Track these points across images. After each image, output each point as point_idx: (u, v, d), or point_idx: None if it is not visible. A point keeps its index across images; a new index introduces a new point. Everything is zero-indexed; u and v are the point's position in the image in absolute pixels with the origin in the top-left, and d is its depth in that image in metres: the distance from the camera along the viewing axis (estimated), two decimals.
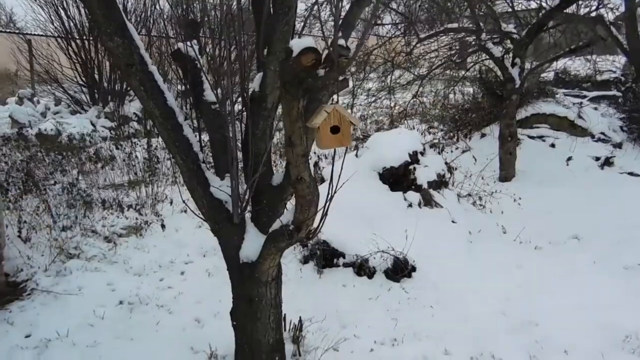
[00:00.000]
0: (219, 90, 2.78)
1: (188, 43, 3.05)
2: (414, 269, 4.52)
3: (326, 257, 4.66)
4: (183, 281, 4.38)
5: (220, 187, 2.88)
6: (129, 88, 13.34)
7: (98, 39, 10.45)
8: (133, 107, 11.99)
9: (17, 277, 4.20)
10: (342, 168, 2.56)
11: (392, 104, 10.78)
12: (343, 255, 4.63)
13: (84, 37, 11.43)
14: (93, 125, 10.72)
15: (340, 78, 3.10)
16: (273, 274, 2.91)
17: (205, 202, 2.88)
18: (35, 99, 12.64)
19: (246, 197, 2.87)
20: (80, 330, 3.47)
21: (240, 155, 2.94)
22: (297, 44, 1.95)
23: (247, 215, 3.02)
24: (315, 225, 2.70)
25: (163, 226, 5.37)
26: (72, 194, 5.94)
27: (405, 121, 11.12)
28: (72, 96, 11.98)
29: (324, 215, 2.70)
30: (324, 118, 2.01)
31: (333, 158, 2.70)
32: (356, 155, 5.74)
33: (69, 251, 4.61)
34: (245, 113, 2.79)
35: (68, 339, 3.35)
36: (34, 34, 13.27)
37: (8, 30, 15.13)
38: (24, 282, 4.13)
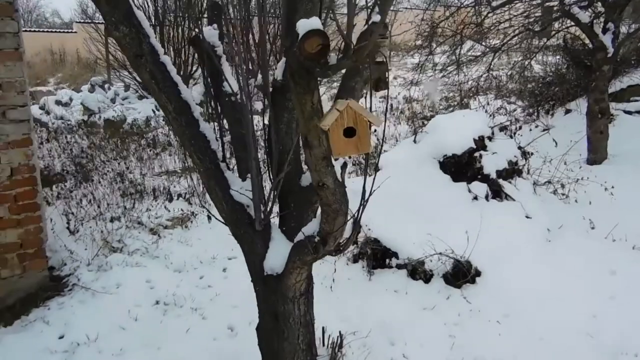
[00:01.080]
0: (238, 79, 2.42)
1: (209, 27, 2.72)
2: (478, 273, 4.00)
3: (377, 257, 4.25)
4: (223, 279, 4.18)
5: (242, 189, 2.55)
6: (192, 71, 13.51)
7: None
8: (195, 91, 12.08)
9: (61, 271, 4.20)
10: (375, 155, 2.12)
11: (462, 79, 9.97)
12: (396, 255, 4.20)
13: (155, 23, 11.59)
14: (156, 109, 10.89)
15: (379, 59, 2.64)
16: (301, 289, 2.56)
17: (224, 206, 2.57)
18: (106, 85, 13.12)
19: (270, 200, 2.53)
20: (111, 334, 3.35)
21: (264, 153, 2.60)
22: (302, 26, 1.54)
23: (274, 220, 2.69)
24: (346, 235, 2.31)
25: (209, 217, 5.20)
26: (123, 182, 5.94)
27: (477, 97, 10.28)
28: (140, 81, 12.26)
29: (357, 224, 2.30)
30: (335, 118, 1.60)
31: (366, 160, 2.28)
32: (414, 141, 5.22)
33: (112, 244, 4.55)
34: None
35: (96, 344, 3.25)
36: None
37: (87, 21, 15.78)
38: (66, 277, 4.12)
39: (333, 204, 2.11)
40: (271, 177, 2.58)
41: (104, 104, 11.65)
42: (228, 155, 2.71)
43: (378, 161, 4.26)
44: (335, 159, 1.94)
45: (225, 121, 2.76)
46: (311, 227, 2.34)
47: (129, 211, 5.23)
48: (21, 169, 3.73)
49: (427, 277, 4.01)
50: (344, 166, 2.09)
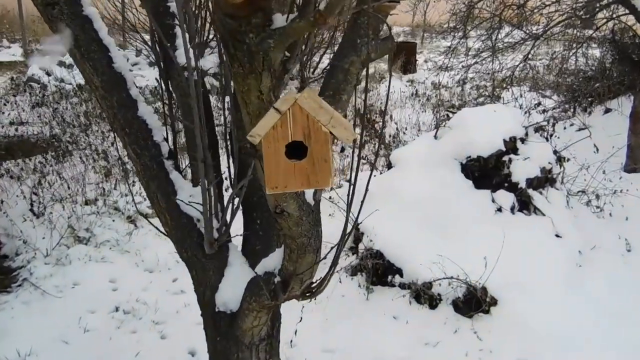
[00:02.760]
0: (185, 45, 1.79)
1: None
2: (494, 302, 3.35)
3: (378, 272, 3.63)
4: None
5: (191, 198, 1.95)
6: (208, 39, 12.79)
7: None
8: (209, 60, 11.44)
9: (13, 262, 3.69)
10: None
11: (497, 68, 9.11)
12: (400, 272, 3.58)
13: None
14: (160, 79, 10.30)
15: (384, 36, 1.99)
16: (261, 334, 1.96)
17: (168, 219, 1.97)
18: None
19: (227, 215, 1.93)
20: (48, 350, 2.85)
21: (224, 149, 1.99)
22: None
23: (237, 240, 2.10)
24: (315, 276, 1.69)
25: None
26: (108, 160, 5.40)
27: (511, 88, 9.44)
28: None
29: (335, 263, 1.68)
30: (271, 125, 0.97)
31: (377, 154, 1.65)
32: (435, 137, 4.52)
33: (78, 233, 4.02)
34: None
35: None
36: None
37: None
38: (17, 270, 3.61)
39: (298, 237, 1.50)
40: (232, 182, 1.97)
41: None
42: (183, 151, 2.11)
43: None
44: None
45: (177, 105, 2.15)
46: (275, 259, 1.73)
47: (107, 194, 4.68)
48: None
49: (433, 303, 3.38)
50: (341, 151, 1.39)
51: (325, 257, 1.61)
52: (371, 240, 3.72)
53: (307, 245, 1.52)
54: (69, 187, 4.64)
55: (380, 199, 3.88)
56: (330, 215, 4.36)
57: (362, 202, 1.65)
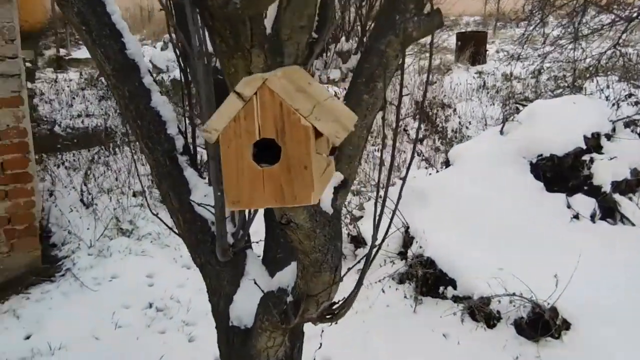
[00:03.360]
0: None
1: None
2: (566, 325, 2.95)
3: (428, 281, 3.33)
4: None
5: (206, 198, 1.78)
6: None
7: None
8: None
9: (60, 251, 3.74)
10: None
11: (579, 56, 8.33)
12: (453, 283, 3.25)
13: None
14: None
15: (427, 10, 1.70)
16: (278, 355, 1.75)
17: (181, 220, 1.81)
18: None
19: (245, 216, 1.75)
20: (78, 345, 2.82)
21: None
22: None
23: (257, 245, 1.92)
24: (333, 296, 1.46)
25: None
26: None
27: (596, 79, 8.62)
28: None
29: (359, 282, 1.44)
30: (232, 116, 0.74)
31: (414, 149, 1.41)
32: (501, 132, 4.10)
33: (121, 226, 4.03)
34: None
35: (54, 357, 2.69)
36: None
37: None
38: (62, 260, 3.65)
39: (311, 253, 1.27)
40: None
41: (175, 63, 11.32)
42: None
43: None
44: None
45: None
46: (290, 274, 1.52)
47: (154, 186, 4.68)
48: (9, 132, 3.24)
49: (491, 322, 3.03)
50: (331, 153, 1.14)
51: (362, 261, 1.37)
52: (421, 247, 3.42)
53: (323, 262, 1.29)
54: (116, 179, 4.68)
55: (434, 200, 3.56)
56: (388, 213, 4.03)
57: (395, 208, 1.39)
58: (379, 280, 3.38)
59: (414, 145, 1.68)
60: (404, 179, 1.48)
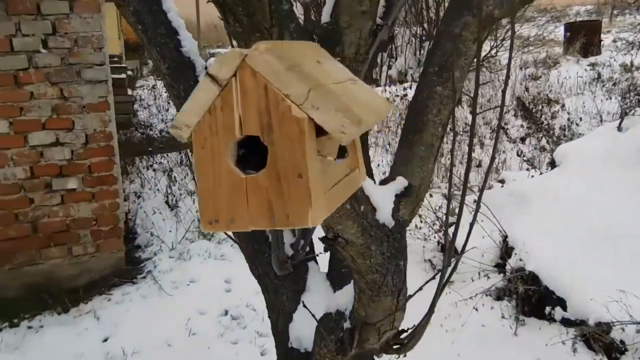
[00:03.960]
0: None
1: None
2: None
3: (532, 299, 2.93)
4: None
5: None
6: None
7: None
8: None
9: (143, 253, 3.84)
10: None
11: None
12: (562, 304, 2.84)
13: None
14: None
15: None
16: None
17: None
18: None
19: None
20: (151, 352, 2.80)
21: None
22: None
23: (322, 257, 1.73)
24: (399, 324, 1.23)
25: None
26: None
27: None
28: None
29: (432, 308, 1.20)
30: (207, 107, 0.55)
31: (465, 183, 1.16)
32: (619, 128, 3.55)
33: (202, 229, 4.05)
34: None
35: None
36: None
37: None
38: (145, 262, 3.74)
39: (367, 273, 1.06)
40: None
41: None
42: None
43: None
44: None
45: None
46: (348, 294, 1.31)
47: None
48: (97, 136, 3.35)
49: (612, 354, 2.58)
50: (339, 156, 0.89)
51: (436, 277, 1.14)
52: (521, 259, 3.02)
53: (382, 284, 1.07)
54: (193, 179, 4.75)
55: (537, 205, 3.15)
56: (480, 221, 3.63)
57: (474, 217, 1.14)
58: (472, 297, 3.04)
59: (495, 141, 1.40)
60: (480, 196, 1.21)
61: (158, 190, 4.61)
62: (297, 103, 0.53)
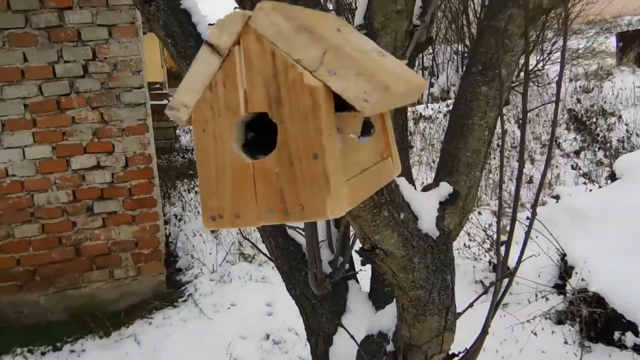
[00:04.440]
0: None
1: None
2: None
3: (597, 323, 2.70)
4: None
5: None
6: None
7: None
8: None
9: (184, 276, 3.83)
10: None
11: None
12: (633, 328, 2.60)
13: None
14: None
15: None
16: None
17: (273, 244, 1.61)
18: None
19: (345, 242, 1.51)
20: None
21: None
22: None
23: (361, 274, 1.64)
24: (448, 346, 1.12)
25: None
26: None
27: None
28: None
29: (484, 330, 1.08)
30: (206, 79, 0.47)
31: (519, 179, 1.05)
32: None
33: (244, 251, 4.02)
34: None
35: None
36: None
37: None
38: (186, 285, 3.72)
39: (410, 289, 0.95)
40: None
41: None
42: None
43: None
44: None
45: None
46: (391, 315, 1.21)
47: None
48: (136, 158, 3.39)
49: None
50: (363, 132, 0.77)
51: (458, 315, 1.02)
52: (583, 279, 2.80)
53: (427, 301, 0.96)
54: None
55: (598, 221, 2.93)
56: (535, 237, 3.39)
57: (528, 232, 1.02)
58: (530, 320, 2.84)
59: (549, 152, 1.27)
60: (536, 198, 1.10)
61: (198, 212, 4.63)
62: (310, 69, 0.45)
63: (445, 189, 1.10)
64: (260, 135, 0.50)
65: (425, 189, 1.14)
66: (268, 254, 1.70)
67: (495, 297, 1.12)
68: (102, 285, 3.45)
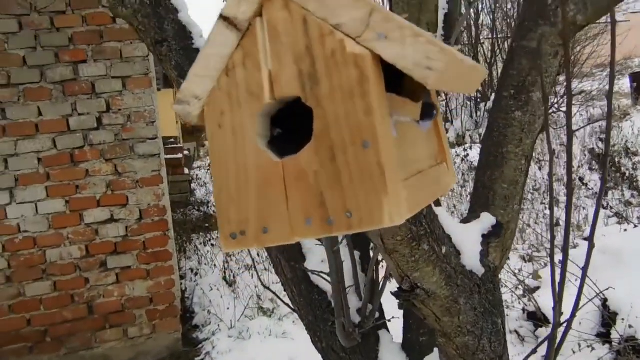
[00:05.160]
0: None
1: None
2: None
3: None
4: None
5: (324, 265, 1.45)
6: None
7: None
8: None
9: (201, 333, 3.67)
10: None
11: None
12: None
13: None
14: None
15: None
16: None
17: (295, 292, 1.50)
18: None
19: (373, 288, 1.39)
20: None
21: None
22: None
23: (393, 322, 1.51)
24: None
25: None
26: None
27: None
28: None
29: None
30: (223, 61, 0.39)
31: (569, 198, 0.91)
32: None
33: (262, 305, 3.86)
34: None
35: None
36: None
37: None
38: (203, 342, 3.55)
39: (455, 336, 0.83)
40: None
41: None
42: None
43: None
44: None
45: None
46: None
47: None
48: (151, 210, 3.33)
49: None
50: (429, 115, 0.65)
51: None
52: (631, 326, 2.59)
53: (476, 349, 0.83)
54: (258, 254, 4.63)
55: (637, 262, 2.75)
56: (574, 281, 3.28)
57: (584, 274, 0.89)
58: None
59: (600, 195, 1.19)
60: (590, 238, 1.01)
61: (215, 266, 4.51)
62: (354, 35, 0.36)
63: (487, 220, 0.99)
64: (289, 133, 0.41)
65: (465, 220, 1.04)
66: (290, 304, 1.58)
67: (552, 349, 0.99)
68: (115, 345, 3.31)
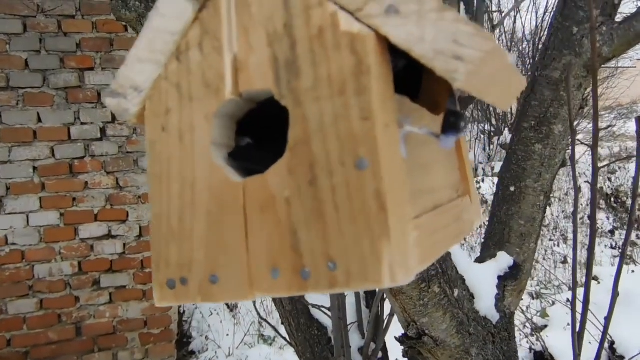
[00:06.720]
0: None
1: None
2: None
3: None
4: None
5: (325, 297, 1.22)
6: None
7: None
8: None
9: None
10: None
11: None
12: None
13: None
14: None
15: None
16: None
17: (293, 326, 1.25)
18: None
19: (377, 325, 1.14)
20: None
21: None
22: None
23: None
24: None
25: None
26: None
27: None
28: None
29: None
30: (174, 42, 0.22)
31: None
32: None
33: (263, 332, 3.58)
34: None
35: None
36: None
37: None
38: None
39: None
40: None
41: None
42: None
43: None
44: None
45: None
46: None
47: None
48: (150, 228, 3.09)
49: None
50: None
51: None
52: None
53: None
54: None
55: None
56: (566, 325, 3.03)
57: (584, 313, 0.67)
58: None
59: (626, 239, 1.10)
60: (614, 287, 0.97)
61: None
62: (351, 7, 0.23)
63: (504, 260, 0.82)
64: (263, 145, 0.29)
65: (480, 259, 0.86)
66: (288, 338, 1.33)
67: None
68: None
